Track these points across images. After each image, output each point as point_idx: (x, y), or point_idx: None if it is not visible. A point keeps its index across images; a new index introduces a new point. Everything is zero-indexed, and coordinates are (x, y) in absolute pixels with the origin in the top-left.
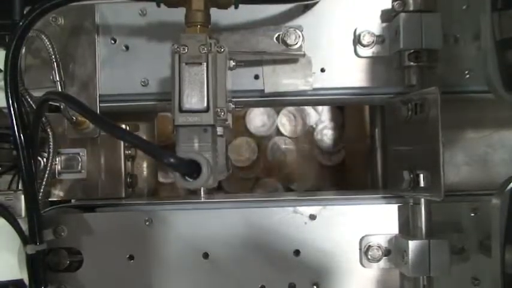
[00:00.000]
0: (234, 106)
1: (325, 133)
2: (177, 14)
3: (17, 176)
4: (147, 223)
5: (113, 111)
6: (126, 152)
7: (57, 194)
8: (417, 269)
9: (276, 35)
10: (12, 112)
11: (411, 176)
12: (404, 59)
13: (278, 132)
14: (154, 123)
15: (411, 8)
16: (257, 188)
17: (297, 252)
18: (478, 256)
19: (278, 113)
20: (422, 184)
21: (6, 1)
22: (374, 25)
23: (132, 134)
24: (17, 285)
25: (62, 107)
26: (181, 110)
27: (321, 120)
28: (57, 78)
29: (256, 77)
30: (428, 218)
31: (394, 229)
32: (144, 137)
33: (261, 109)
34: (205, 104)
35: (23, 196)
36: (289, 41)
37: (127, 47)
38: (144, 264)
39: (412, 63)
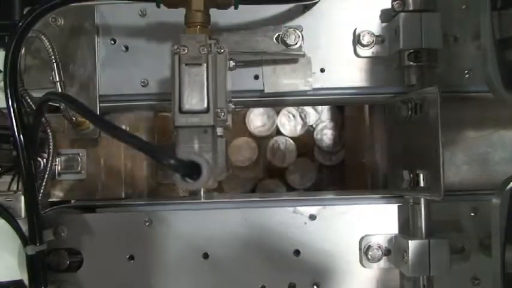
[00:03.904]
0: (234, 106)
1: (325, 133)
2: (177, 15)
3: (17, 176)
4: (147, 223)
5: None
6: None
7: (57, 194)
8: (417, 268)
9: (276, 35)
10: (12, 113)
11: (411, 175)
12: (404, 58)
13: (278, 132)
14: (154, 123)
15: (411, 8)
16: (257, 188)
17: (297, 252)
18: (478, 256)
19: (278, 113)
20: (422, 184)
21: (6, 1)
22: (374, 25)
23: (131, 135)
24: (17, 285)
25: (61, 107)
26: (181, 111)
27: (321, 120)
28: (57, 79)
29: (256, 77)
30: (428, 217)
31: (394, 229)
32: (144, 137)
33: (261, 109)
34: (205, 105)
35: (22, 197)
36: (289, 41)
37: (127, 48)
38: (144, 265)
39: (411, 63)
